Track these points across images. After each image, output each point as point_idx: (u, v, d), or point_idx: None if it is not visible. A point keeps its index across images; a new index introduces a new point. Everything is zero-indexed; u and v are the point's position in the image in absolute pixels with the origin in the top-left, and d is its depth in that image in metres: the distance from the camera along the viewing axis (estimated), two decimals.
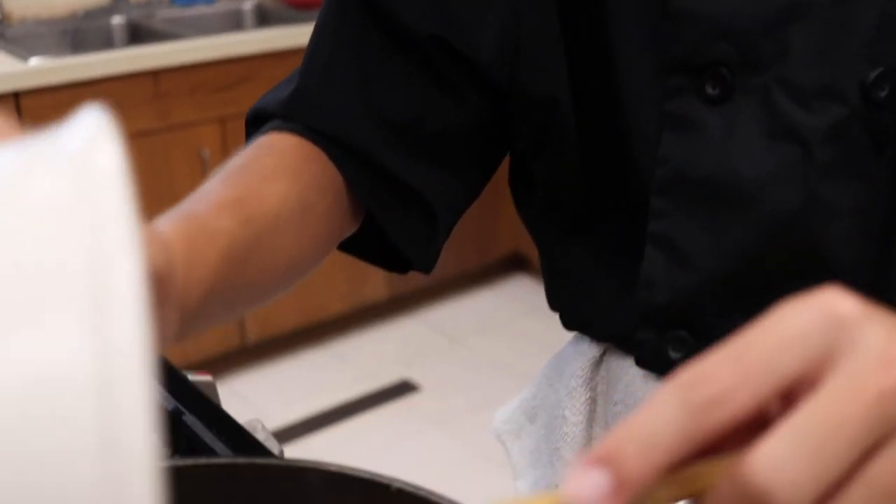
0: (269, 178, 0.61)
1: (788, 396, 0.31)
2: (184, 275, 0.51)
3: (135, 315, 0.24)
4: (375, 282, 2.94)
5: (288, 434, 2.49)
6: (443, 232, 0.72)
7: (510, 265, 3.31)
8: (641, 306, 0.65)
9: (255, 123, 0.70)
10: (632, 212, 0.64)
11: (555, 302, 0.75)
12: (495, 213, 3.03)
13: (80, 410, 0.24)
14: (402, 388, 2.73)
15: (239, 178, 0.60)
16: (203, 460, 0.49)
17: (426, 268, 0.72)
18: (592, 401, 0.73)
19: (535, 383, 0.80)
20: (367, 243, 0.73)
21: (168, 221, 0.53)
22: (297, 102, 0.67)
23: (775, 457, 0.29)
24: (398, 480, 0.48)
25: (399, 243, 0.70)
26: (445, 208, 0.70)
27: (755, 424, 0.31)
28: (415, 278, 3.03)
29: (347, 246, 0.73)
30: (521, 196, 0.75)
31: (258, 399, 2.65)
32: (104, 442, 0.24)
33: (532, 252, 3.21)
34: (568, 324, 0.74)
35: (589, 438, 0.73)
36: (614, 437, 0.30)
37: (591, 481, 0.30)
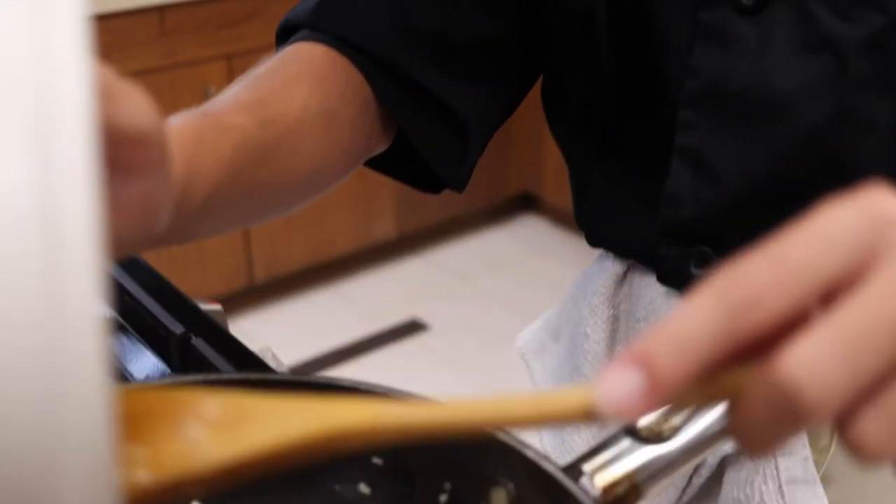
0: (291, 83, 0.60)
1: (829, 300, 0.29)
2: (190, 163, 0.50)
3: (80, 134, 0.23)
4: (384, 221, 2.94)
5: (296, 373, 2.50)
6: (474, 149, 0.70)
7: (520, 204, 3.29)
8: (665, 221, 0.64)
9: (285, 35, 0.68)
10: (661, 126, 0.63)
11: (581, 219, 0.74)
12: (505, 152, 3.01)
13: (24, 229, 0.23)
14: (411, 328, 2.73)
15: (259, 83, 0.60)
16: (213, 376, 0.48)
17: (458, 185, 0.71)
18: (615, 318, 0.72)
19: (560, 302, 0.79)
20: (398, 161, 0.71)
21: (180, 117, 0.52)
22: (324, 11, 0.65)
23: (807, 355, 0.28)
24: (415, 396, 0.47)
25: (428, 157, 0.68)
26: (476, 124, 0.69)
27: (795, 331, 0.29)
28: (424, 217, 3.02)
29: (378, 164, 0.71)
30: (553, 112, 0.74)
31: (266, 338, 2.64)
32: (48, 263, 0.23)
33: (542, 191, 3.21)
34: (592, 241, 0.73)
35: (611, 356, 0.72)
36: (649, 338, 0.29)
37: (623, 381, 0.29)
